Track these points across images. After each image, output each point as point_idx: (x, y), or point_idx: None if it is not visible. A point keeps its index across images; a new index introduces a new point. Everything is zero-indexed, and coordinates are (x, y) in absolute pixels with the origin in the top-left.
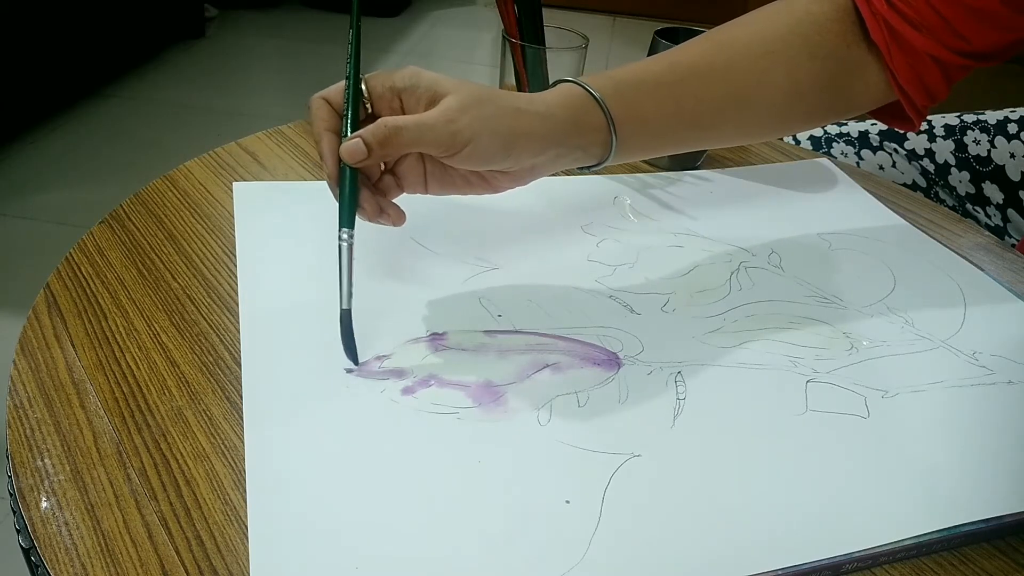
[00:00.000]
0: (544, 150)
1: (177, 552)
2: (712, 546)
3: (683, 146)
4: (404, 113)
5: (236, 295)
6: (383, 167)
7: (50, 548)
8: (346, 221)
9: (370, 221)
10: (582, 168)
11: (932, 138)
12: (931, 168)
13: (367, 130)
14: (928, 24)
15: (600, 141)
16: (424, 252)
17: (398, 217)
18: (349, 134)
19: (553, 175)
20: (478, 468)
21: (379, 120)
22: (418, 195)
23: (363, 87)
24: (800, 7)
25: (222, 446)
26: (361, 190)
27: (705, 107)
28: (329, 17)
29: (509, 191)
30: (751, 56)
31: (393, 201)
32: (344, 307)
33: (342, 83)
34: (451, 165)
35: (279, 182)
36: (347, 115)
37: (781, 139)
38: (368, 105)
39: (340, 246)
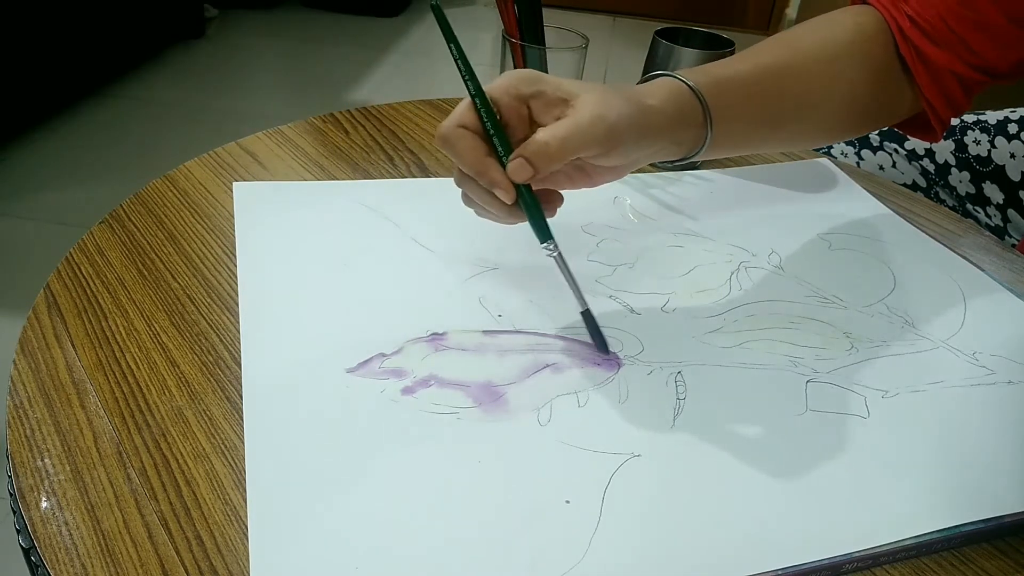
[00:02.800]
0: (656, 142)
1: (177, 552)
2: (712, 546)
3: (760, 145)
4: (532, 118)
5: (236, 295)
6: None
7: (50, 548)
8: (545, 234)
9: (551, 216)
10: (664, 163)
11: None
12: (931, 168)
13: (528, 149)
14: (946, 41)
15: (696, 135)
16: (424, 252)
17: (560, 197)
18: (506, 155)
19: (569, 189)
20: (478, 468)
21: (538, 135)
22: (417, 196)
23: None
24: (851, 19)
25: (222, 446)
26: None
27: (783, 108)
28: (329, 17)
29: None
30: (820, 62)
31: (550, 188)
32: (582, 309)
33: (464, 105)
34: (594, 163)
35: (279, 182)
36: (497, 137)
37: None
38: (498, 117)
39: (553, 258)
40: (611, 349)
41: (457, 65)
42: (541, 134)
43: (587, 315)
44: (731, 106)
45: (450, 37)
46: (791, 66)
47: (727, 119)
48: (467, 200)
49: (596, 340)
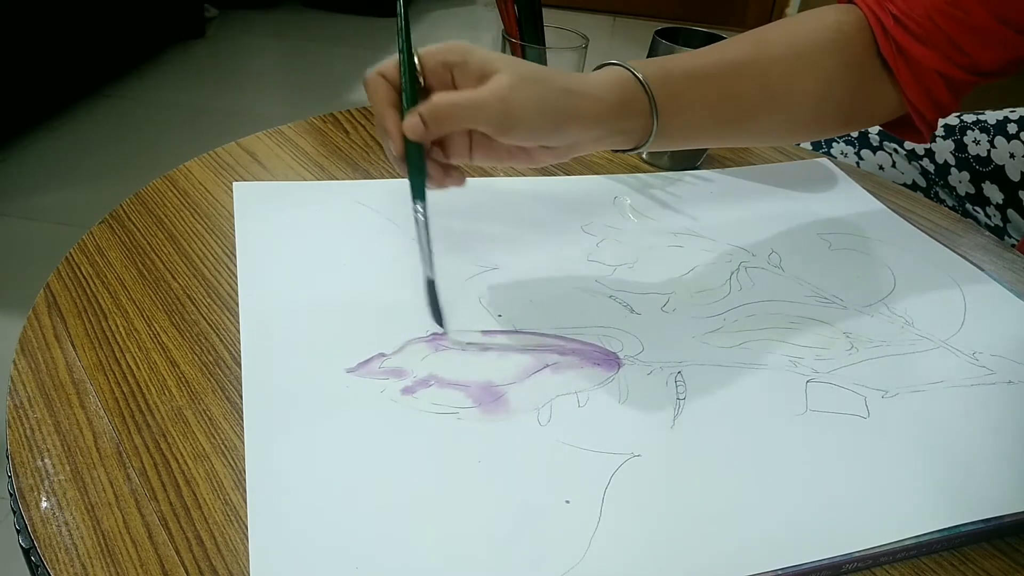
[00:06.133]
0: (590, 130)
1: (177, 552)
2: (712, 546)
3: (718, 139)
4: (455, 87)
5: (236, 295)
6: None
7: (50, 548)
8: (419, 194)
9: (439, 187)
10: (617, 151)
11: (932, 138)
12: (931, 168)
13: (424, 107)
14: (933, 40)
15: (642, 126)
16: None
17: (461, 177)
18: (408, 109)
19: (555, 173)
20: (478, 468)
21: (433, 97)
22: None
23: (416, 61)
24: (831, 18)
25: (222, 446)
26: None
27: (744, 103)
28: (329, 17)
29: (509, 191)
30: (788, 58)
31: (453, 163)
32: (428, 276)
33: (395, 58)
34: (499, 141)
35: (279, 182)
36: (405, 91)
37: None
38: (421, 79)
39: (416, 219)
40: (611, 349)
41: (397, 23)
42: (437, 96)
43: (430, 285)
44: (682, 98)
45: None
46: (758, 60)
47: (677, 111)
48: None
49: (433, 312)
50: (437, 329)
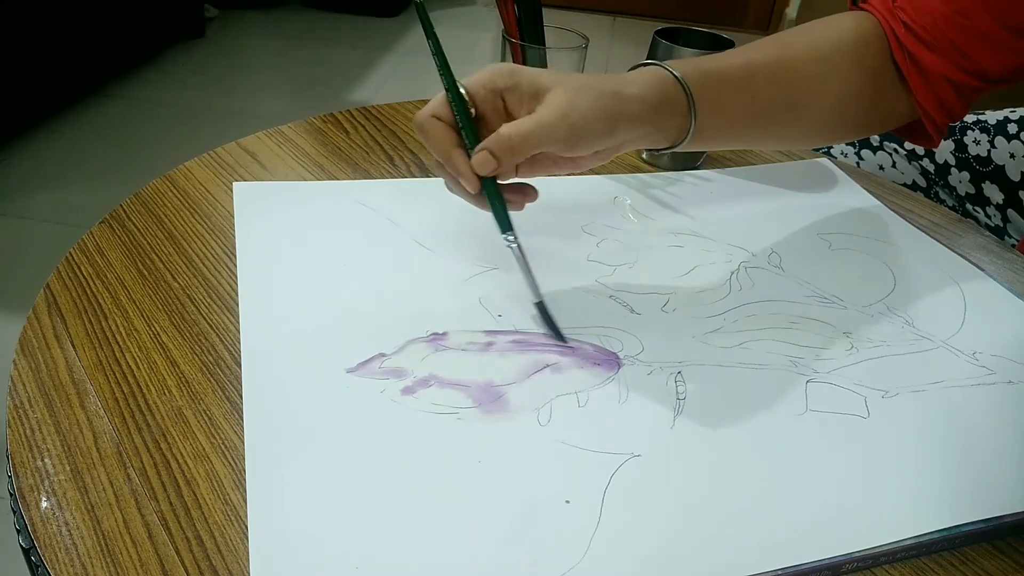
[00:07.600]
0: (636, 129)
1: (177, 552)
2: (712, 546)
3: (748, 141)
4: (507, 111)
5: (236, 295)
6: None
7: (50, 548)
8: (506, 225)
9: (519, 210)
10: (650, 151)
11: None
12: (931, 168)
13: (491, 142)
14: (940, 47)
15: (679, 125)
16: (424, 252)
17: (535, 191)
18: (472, 146)
19: (558, 174)
20: (478, 468)
21: (501, 130)
22: (417, 196)
23: (463, 92)
24: (847, 23)
25: (222, 446)
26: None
27: (771, 106)
28: (329, 17)
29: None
30: (812, 61)
31: (522, 181)
32: (535, 300)
33: (441, 96)
34: (561, 154)
35: (279, 182)
36: (465, 129)
37: None
38: (472, 110)
39: (512, 249)
40: (611, 349)
41: (434, 60)
42: (504, 129)
43: (541, 307)
44: (718, 98)
45: (429, 33)
46: (782, 64)
47: (713, 111)
48: (448, 186)
49: (552, 330)
50: (437, 329)
